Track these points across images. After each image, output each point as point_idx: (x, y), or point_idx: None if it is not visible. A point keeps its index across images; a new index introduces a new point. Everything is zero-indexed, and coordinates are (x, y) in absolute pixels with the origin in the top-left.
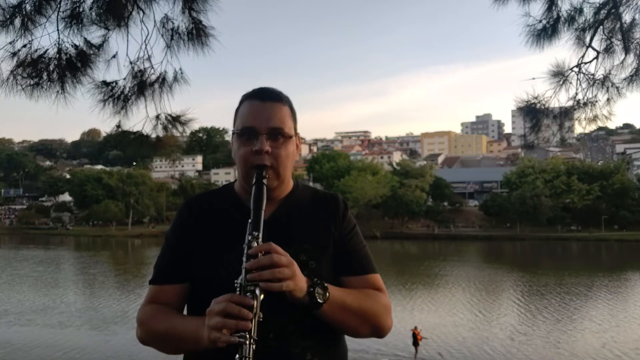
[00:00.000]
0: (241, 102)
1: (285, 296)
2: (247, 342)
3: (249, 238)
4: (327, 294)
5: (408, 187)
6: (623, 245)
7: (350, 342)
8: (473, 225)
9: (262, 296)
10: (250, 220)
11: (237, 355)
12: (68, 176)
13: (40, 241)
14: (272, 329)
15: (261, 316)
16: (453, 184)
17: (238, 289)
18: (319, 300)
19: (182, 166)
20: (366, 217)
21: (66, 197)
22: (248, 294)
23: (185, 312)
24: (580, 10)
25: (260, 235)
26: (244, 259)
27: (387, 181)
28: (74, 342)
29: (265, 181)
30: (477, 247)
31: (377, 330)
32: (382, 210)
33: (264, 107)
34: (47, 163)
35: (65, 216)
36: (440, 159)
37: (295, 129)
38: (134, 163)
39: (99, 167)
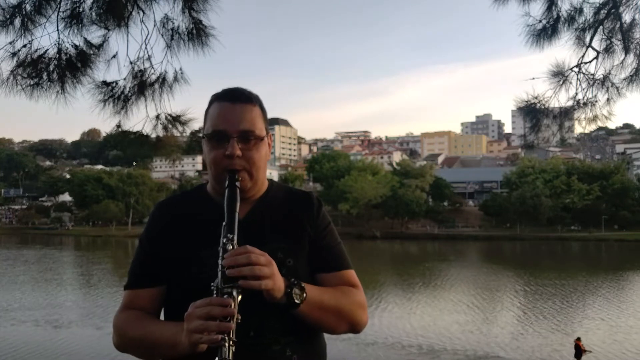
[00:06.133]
0: (210, 103)
1: (262, 297)
2: (227, 344)
3: (224, 241)
4: (305, 294)
5: (408, 187)
6: (623, 245)
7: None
8: (473, 225)
9: (239, 297)
10: (224, 223)
11: (217, 358)
12: (68, 176)
13: (40, 241)
14: (252, 326)
15: (239, 318)
16: (453, 184)
17: (215, 292)
18: (296, 300)
19: (182, 166)
20: (366, 217)
21: (66, 197)
22: (225, 295)
23: (162, 315)
24: (580, 10)
25: (235, 238)
26: (220, 261)
27: (387, 181)
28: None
29: (237, 183)
30: (477, 247)
31: (353, 326)
32: (382, 210)
33: (234, 109)
34: (47, 163)
35: (65, 216)
36: (440, 159)
37: (266, 129)
38: (134, 163)
39: (99, 167)
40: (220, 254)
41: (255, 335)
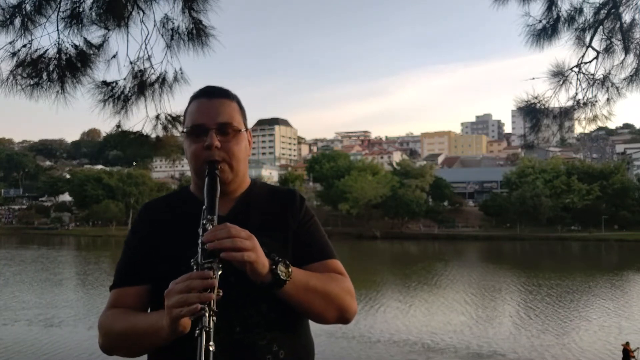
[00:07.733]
0: (189, 102)
1: (248, 289)
2: (207, 314)
3: (204, 222)
4: (290, 270)
5: (408, 187)
6: (623, 245)
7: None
8: (473, 225)
9: (220, 272)
10: (204, 207)
11: (197, 327)
12: (68, 176)
13: (39, 241)
14: (238, 322)
15: (220, 293)
16: (453, 184)
17: (195, 268)
18: (282, 277)
19: (182, 166)
20: (366, 217)
21: (66, 197)
22: (206, 270)
23: None
24: (580, 10)
25: (216, 219)
26: (200, 241)
27: (387, 181)
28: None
29: (217, 172)
30: (477, 247)
31: (343, 313)
32: (382, 210)
33: (212, 104)
34: (47, 163)
35: (65, 216)
36: (440, 159)
37: (245, 125)
38: (134, 163)
39: (99, 167)
40: (201, 233)
41: (241, 331)
